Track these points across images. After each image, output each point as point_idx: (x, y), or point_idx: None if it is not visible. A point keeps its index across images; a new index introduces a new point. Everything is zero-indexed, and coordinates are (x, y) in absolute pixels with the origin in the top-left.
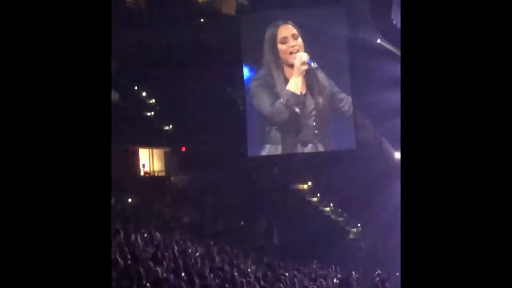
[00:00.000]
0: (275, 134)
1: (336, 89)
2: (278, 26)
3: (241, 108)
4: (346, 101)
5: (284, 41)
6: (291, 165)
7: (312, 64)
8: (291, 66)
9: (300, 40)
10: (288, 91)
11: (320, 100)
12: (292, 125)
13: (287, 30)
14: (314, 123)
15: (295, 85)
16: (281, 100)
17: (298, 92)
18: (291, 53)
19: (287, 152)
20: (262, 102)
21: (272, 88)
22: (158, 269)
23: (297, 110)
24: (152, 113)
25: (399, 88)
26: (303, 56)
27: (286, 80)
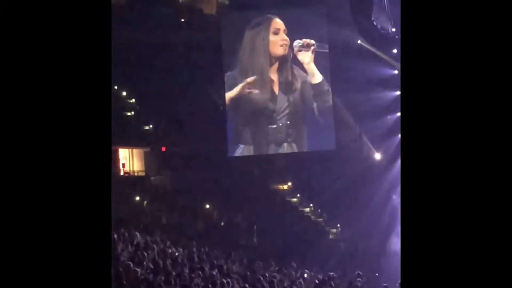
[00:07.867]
0: (247, 133)
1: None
2: (271, 19)
3: (221, 108)
4: (328, 93)
5: (277, 32)
6: (271, 165)
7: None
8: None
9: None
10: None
11: (293, 98)
12: (265, 124)
13: (280, 23)
14: (288, 122)
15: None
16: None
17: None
18: (281, 45)
19: (259, 153)
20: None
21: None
22: (138, 269)
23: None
24: (132, 112)
25: (379, 88)
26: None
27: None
